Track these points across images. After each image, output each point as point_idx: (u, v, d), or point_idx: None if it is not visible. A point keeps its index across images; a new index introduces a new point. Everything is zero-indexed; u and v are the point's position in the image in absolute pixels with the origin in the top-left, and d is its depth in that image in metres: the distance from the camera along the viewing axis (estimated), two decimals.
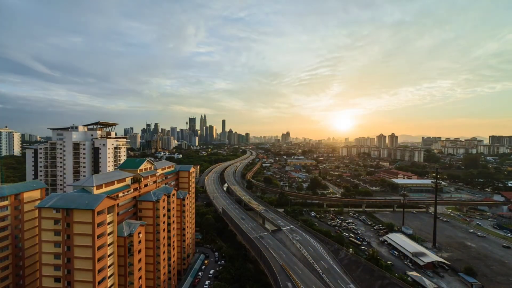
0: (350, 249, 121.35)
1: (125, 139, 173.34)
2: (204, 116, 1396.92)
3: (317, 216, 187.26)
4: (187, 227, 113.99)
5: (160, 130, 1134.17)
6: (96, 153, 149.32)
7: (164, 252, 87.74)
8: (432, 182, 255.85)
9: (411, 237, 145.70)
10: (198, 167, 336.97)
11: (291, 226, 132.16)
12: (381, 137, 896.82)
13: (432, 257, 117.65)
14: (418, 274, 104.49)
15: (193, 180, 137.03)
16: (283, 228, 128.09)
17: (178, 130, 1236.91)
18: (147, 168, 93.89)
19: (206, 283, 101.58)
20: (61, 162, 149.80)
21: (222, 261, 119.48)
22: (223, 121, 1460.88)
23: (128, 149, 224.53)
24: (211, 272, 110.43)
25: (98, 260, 57.62)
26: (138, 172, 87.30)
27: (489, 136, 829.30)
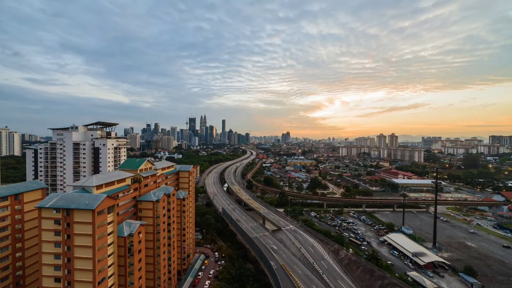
0: (350, 249, 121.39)
1: (125, 139, 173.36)
2: (204, 116, 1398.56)
3: (317, 216, 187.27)
4: (187, 227, 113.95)
5: (160, 130, 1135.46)
6: (96, 153, 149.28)
7: (164, 252, 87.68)
8: (432, 182, 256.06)
9: (411, 237, 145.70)
10: (198, 167, 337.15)
11: (291, 226, 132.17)
12: (381, 137, 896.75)
13: (432, 257, 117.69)
14: (418, 274, 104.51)
15: (193, 180, 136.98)
16: (283, 228, 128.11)
17: (178, 130, 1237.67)
18: (147, 168, 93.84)
19: (206, 283, 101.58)
20: (61, 162, 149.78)
21: (222, 261, 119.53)
22: (223, 121, 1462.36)
23: (128, 149, 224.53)
24: (211, 272, 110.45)
25: (98, 260, 57.56)
26: (138, 172, 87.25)
27: (489, 136, 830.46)
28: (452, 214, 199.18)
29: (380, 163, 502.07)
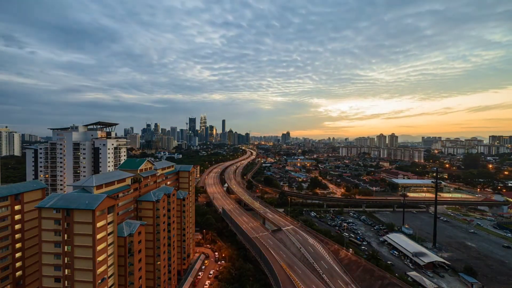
0: (350, 249, 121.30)
1: (125, 139, 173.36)
2: (204, 116, 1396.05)
3: (317, 216, 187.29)
4: (187, 227, 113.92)
5: (160, 130, 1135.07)
6: (96, 153, 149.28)
7: (164, 252, 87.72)
8: (432, 182, 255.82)
9: (411, 237, 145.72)
10: (198, 167, 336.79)
11: (291, 226, 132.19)
12: (381, 137, 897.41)
13: (432, 257, 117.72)
14: (418, 274, 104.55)
15: (193, 180, 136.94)
16: (283, 228, 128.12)
17: (178, 130, 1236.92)
18: (147, 168, 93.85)
19: (206, 283, 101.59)
20: (61, 162, 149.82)
21: (222, 261, 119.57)
22: (223, 121, 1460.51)
23: (128, 149, 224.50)
24: (211, 272, 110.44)
25: (99, 260, 57.59)
26: (138, 172, 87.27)
27: (489, 136, 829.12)
28: (452, 214, 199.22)
29: (380, 163, 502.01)
